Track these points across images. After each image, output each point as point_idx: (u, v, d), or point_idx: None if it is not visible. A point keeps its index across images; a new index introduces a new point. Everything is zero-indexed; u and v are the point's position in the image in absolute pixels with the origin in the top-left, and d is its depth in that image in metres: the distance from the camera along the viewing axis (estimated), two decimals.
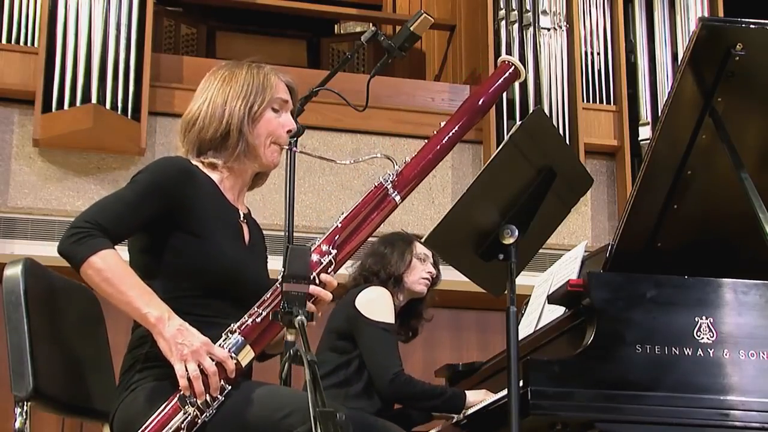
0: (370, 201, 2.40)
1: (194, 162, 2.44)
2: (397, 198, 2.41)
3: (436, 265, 3.70)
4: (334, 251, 2.33)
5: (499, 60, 2.59)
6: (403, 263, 3.60)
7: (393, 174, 2.42)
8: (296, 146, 2.62)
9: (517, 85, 5.60)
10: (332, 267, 2.33)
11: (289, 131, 2.50)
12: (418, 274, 3.63)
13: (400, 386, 3.37)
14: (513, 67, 2.55)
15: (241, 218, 2.48)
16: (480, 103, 2.52)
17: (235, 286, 2.34)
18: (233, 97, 2.44)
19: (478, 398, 3.26)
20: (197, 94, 2.50)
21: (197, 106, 2.47)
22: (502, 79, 2.56)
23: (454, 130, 2.49)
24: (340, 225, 2.37)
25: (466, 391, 3.34)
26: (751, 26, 2.74)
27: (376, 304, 3.48)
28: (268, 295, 2.28)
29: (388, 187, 2.41)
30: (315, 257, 2.31)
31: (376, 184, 2.42)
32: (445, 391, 3.41)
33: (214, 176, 2.44)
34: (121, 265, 2.23)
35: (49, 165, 5.14)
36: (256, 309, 2.27)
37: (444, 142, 2.47)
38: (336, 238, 2.35)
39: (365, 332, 3.43)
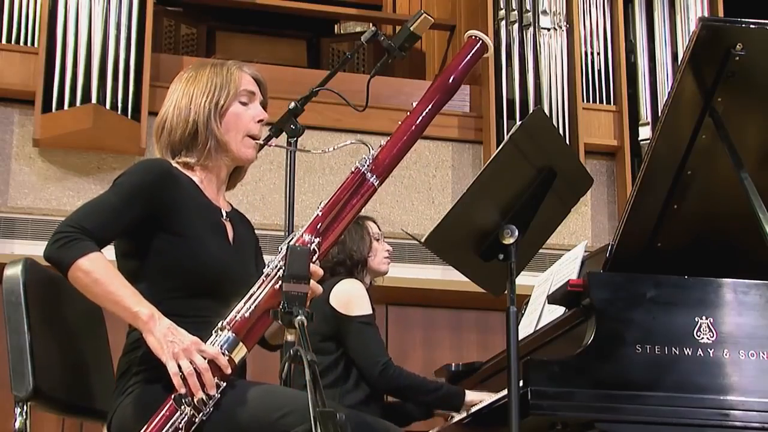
0: (348, 187, 2.38)
1: (173, 163, 2.44)
2: (376, 182, 2.38)
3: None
4: (317, 240, 2.31)
5: (466, 35, 2.55)
6: (365, 246, 3.59)
7: (369, 158, 2.39)
8: (296, 146, 2.62)
9: (517, 85, 5.63)
10: (316, 256, 2.30)
11: (260, 121, 2.50)
12: (380, 254, 3.63)
13: (390, 378, 3.36)
14: (480, 41, 2.52)
15: (224, 216, 2.47)
16: (451, 80, 2.48)
17: (221, 283, 2.33)
18: (198, 95, 2.45)
19: (477, 398, 3.26)
20: (165, 99, 2.51)
21: (164, 109, 2.48)
22: (470, 54, 2.52)
23: (426, 110, 2.45)
24: (321, 213, 2.34)
25: (466, 390, 3.34)
26: (751, 26, 2.74)
27: (351, 298, 3.46)
28: (254, 289, 2.27)
29: (366, 171, 2.38)
30: None
31: (353, 169, 2.39)
32: (441, 387, 3.40)
33: (193, 177, 2.45)
34: (109, 266, 2.23)
35: (49, 165, 5.14)
36: (243, 304, 2.25)
37: (418, 122, 2.44)
38: (318, 226, 2.32)
39: (346, 330, 3.42)
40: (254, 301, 2.25)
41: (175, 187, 2.36)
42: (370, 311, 3.47)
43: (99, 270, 2.20)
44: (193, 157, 2.44)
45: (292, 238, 2.31)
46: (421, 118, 2.44)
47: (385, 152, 2.41)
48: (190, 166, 2.44)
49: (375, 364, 3.36)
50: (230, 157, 2.47)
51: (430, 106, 2.46)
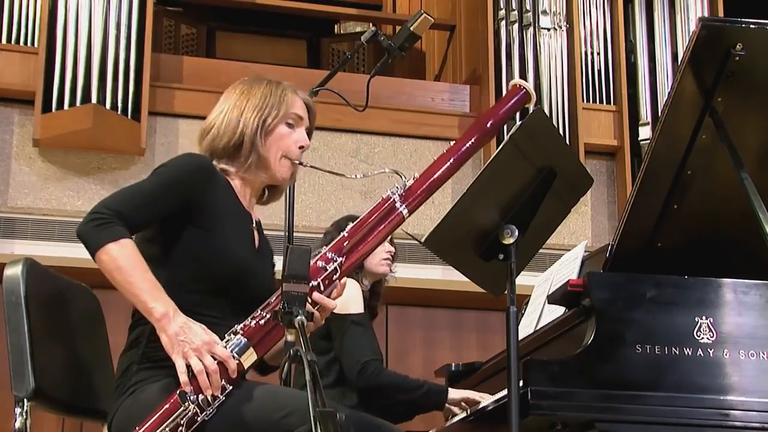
0: (377, 212, 2.43)
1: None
2: (405, 211, 2.44)
3: (391, 241, 3.64)
4: (339, 259, 2.36)
5: (511, 84, 2.62)
6: None
7: (401, 188, 2.45)
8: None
9: None
10: (337, 274, 2.35)
11: (301, 147, 2.53)
12: (378, 257, 3.56)
13: (368, 377, 3.31)
14: (524, 90, 2.59)
15: (253, 225, 2.52)
16: (489, 125, 2.55)
17: (240, 284, 2.37)
18: (249, 109, 2.49)
19: (461, 396, 3.25)
20: (216, 106, 2.56)
21: (214, 116, 2.53)
22: (512, 102, 2.59)
23: (462, 150, 2.51)
24: (347, 234, 2.40)
25: (450, 388, 3.32)
26: (751, 26, 2.74)
27: (345, 298, 3.43)
28: (272, 299, 2.31)
29: (396, 200, 2.43)
30: (320, 263, 2.35)
31: (384, 196, 2.45)
32: (422, 385, 3.36)
33: (231, 181, 2.49)
34: (136, 256, 2.26)
35: (49, 165, 5.14)
36: (260, 312, 2.29)
37: (452, 161, 2.50)
38: (345, 244, 2.38)
39: (336, 329, 3.40)
40: (270, 310, 2.28)
41: (212, 184, 2.41)
42: (361, 311, 3.45)
43: (124, 258, 2.23)
44: (233, 167, 2.49)
45: (317, 254, 2.34)
46: (456, 157, 2.50)
47: (418, 185, 2.46)
48: (226, 173, 2.49)
49: (355, 363, 3.32)
50: (269, 175, 2.52)
51: (466, 147, 2.51)
